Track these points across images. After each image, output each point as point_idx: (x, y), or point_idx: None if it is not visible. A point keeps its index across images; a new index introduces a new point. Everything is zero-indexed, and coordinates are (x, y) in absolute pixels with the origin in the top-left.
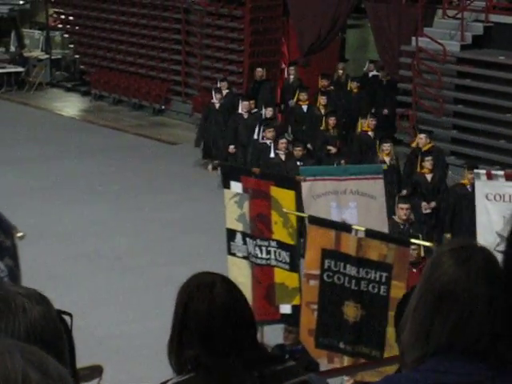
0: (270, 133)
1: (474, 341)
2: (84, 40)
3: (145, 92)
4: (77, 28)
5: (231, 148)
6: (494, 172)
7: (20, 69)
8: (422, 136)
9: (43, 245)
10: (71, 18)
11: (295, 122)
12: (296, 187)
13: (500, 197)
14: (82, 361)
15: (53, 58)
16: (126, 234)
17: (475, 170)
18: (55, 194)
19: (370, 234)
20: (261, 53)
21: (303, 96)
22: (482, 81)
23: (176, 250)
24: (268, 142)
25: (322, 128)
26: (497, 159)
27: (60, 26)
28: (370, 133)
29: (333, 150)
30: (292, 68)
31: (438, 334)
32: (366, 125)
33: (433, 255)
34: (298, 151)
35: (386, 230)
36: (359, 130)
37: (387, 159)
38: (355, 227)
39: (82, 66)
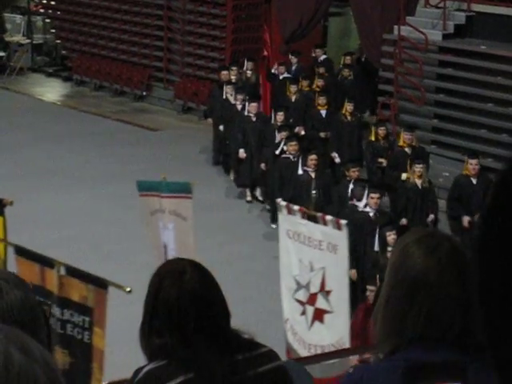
0: (292, 147)
1: (447, 328)
2: (66, 25)
3: (126, 78)
4: (58, 13)
5: (241, 152)
6: (291, 206)
7: (1, 53)
8: (475, 161)
9: (21, 231)
10: (53, 2)
11: (312, 128)
12: (3, 212)
13: (297, 236)
14: None
15: (34, 42)
16: (104, 221)
17: (278, 200)
18: (35, 179)
19: (71, 271)
20: (243, 40)
21: (322, 100)
22: (463, 70)
23: None
24: (291, 156)
25: (372, 139)
26: (478, 149)
27: (42, 10)
28: (406, 149)
29: (384, 162)
30: (235, 68)
31: (413, 324)
32: (402, 140)
33: (398, 246)
34: (353, 172)
35: (195, 256)
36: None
37: (419, 182)
38: (58, 263)
39: (63, 52)
